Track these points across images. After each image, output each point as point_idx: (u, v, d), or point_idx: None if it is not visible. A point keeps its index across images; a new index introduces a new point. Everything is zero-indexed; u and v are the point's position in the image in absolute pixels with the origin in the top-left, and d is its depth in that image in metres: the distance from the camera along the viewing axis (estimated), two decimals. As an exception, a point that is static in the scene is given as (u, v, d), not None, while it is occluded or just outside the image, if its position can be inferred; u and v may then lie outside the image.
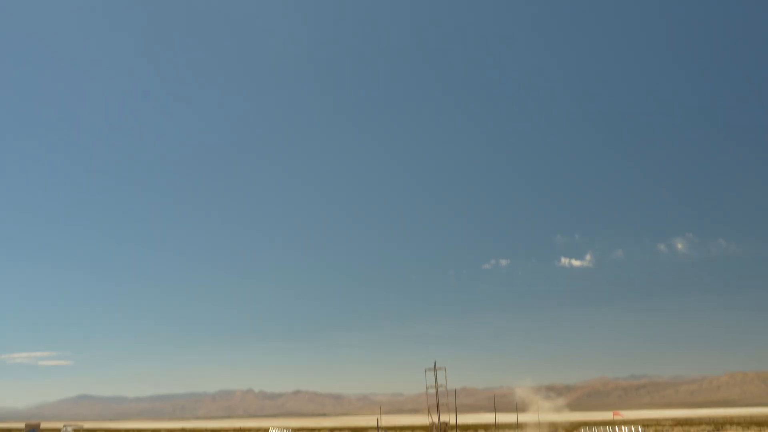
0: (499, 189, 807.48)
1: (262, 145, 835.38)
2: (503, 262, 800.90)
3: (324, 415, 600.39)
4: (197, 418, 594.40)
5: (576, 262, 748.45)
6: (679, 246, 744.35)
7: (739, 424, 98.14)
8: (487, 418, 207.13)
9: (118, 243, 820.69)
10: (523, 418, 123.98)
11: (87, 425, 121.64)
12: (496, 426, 77.52)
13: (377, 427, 65.94)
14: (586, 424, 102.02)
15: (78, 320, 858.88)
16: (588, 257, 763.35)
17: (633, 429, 75.46)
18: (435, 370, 64.02)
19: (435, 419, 63.10)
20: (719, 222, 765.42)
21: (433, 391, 64.08)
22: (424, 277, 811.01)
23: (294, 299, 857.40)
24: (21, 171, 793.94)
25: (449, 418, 62.02)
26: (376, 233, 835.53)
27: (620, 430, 79.53)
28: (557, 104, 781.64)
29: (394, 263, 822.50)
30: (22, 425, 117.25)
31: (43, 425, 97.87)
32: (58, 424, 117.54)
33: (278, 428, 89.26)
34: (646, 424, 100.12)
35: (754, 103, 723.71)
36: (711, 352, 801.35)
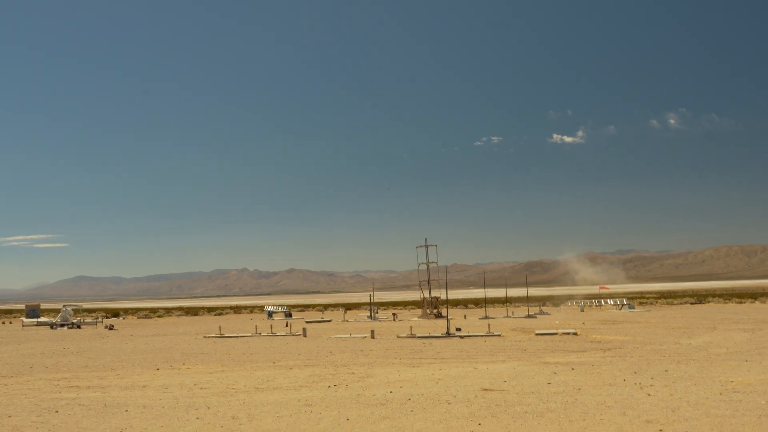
0: (489, 64, 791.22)
1: (253, 24, 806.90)
2: (495, 138, 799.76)
3: (318, 292, 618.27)
4: (194, 297, 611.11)
5: (568, 139, 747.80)
6: (672, 121, 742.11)
7: (720, 296, 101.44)
8: (476, 293, 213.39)
9: (112, 122, 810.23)
10: (512, 292, 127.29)
11: (86, 306, 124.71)
12: (485, 301, 79.82)
13: (370, 303, 67.70)
14: (572, 297, 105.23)
15: (73, 202, 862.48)
16: (580, 133, 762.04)
17: (618, 301, 77.88)
18: (426, 246, 64.86)
19: (426, 295, 64.67)
20: (712, 96, 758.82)
21: (424, 267, 65.16)
22: (415, 154, 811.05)
23: (286, 179, 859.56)
24: (9, 52, 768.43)
25: (440, 294, 63.60)
26: (366, 110, 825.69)
27: (605, 302, 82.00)
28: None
29: (385, 141, 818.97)
30: (22, 306, 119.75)
31: (43, 306, 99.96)
32: (58, 305, 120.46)
33: (273, 305, 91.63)
34: (631, 297, 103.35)
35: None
36: (698, 227, 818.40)
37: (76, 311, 72.88)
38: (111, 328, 56.83)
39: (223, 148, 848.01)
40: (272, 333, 42.25)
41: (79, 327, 59.90)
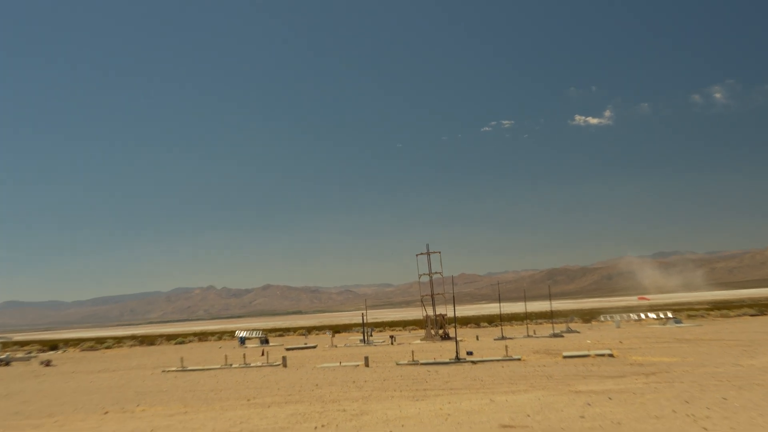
0: (496, 33, 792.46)
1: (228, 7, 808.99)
2: (506, 122, 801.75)
3: (299, 312, 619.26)
4: (150, 322, 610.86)
5: (593, 120, 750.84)
6: (717, 95, 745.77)
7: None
8: (489, 308, 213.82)
9: (47, 118, 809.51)
10: (531, 307, 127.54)
11: (18, 337, 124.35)
12: (501, 317, 79.79)
13: (362, 324, 67.58)
14: (606, 311, 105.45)
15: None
16: (607, 113, 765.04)
17: (662, 315, 78.03)
18: (428, 254, 64.65)
19: (429, 312, 64.50)
20: (766, 64, 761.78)
21: (426, 279, 64.90)
22: (412, 144, 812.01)
23: (259, 178, 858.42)
24: None
25: (446, 311, 63.49)
26: (353, 95, 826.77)
27: (646, 316, 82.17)
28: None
29: (376, 130, 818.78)
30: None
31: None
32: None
33: (246, 330, 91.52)
34: (677, 308, 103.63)
35: None
36: (754, 221, 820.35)
37: (5, 345, 72.59)
38: (48, 364, 56.49)
39: (183, 146, 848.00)
40: (245, 364, 42.15)
41: (7, 364, 59.56)
